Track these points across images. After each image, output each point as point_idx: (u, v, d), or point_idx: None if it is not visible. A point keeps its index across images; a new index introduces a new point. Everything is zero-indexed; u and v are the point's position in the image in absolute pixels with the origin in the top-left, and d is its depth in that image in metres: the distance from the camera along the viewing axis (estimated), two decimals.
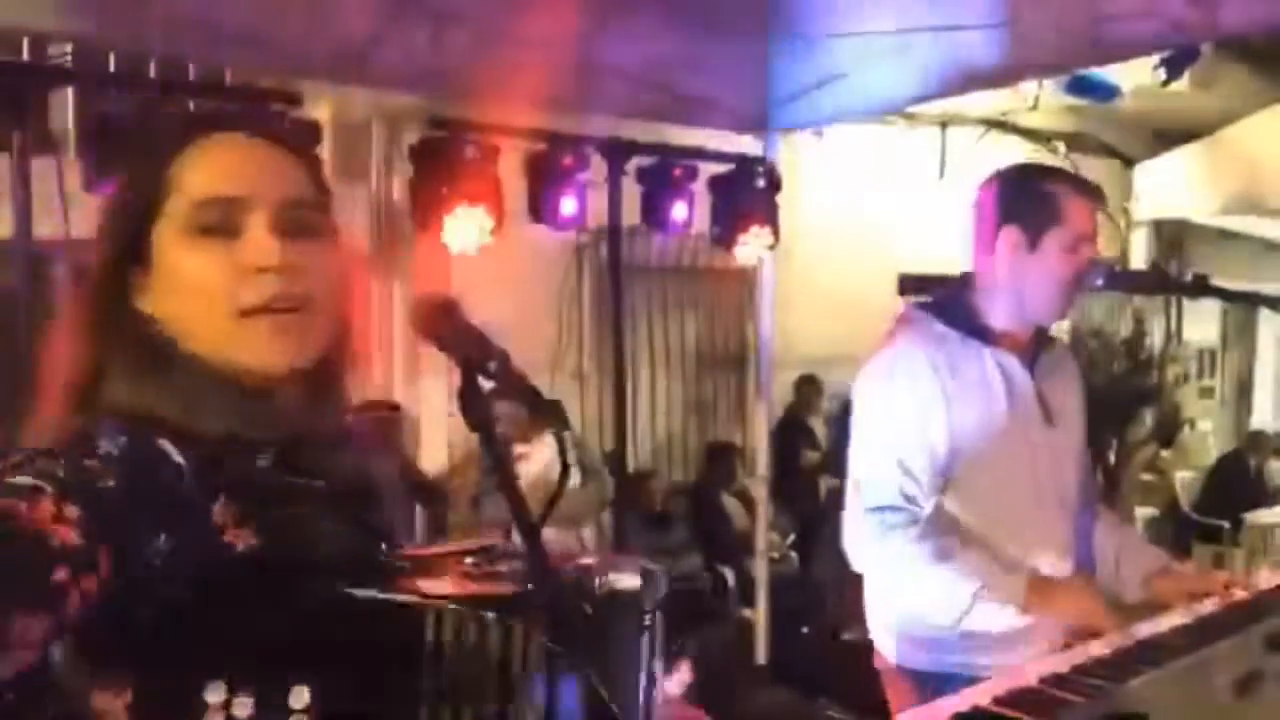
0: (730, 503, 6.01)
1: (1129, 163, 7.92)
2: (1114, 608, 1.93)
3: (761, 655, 4.89)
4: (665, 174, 4.53)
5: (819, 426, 6.72)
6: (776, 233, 4.70)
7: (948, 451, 1.95)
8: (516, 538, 0.91)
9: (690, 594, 5.29)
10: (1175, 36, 3.49)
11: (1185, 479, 7.95)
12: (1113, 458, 7.19)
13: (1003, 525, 1.98)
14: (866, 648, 2.16)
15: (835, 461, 6.16)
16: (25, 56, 3.60)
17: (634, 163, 4.46)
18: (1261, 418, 9.57)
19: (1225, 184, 7.06)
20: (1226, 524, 7.17)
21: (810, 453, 6.57)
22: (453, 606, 0.86)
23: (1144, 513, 7.60)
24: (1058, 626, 1.96)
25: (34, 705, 0.79)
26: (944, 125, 7.06)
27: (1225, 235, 8.16)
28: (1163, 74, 5.76)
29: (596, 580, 0.99)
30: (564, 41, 3.61)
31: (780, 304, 5.03)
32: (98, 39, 3.25)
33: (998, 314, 2.04)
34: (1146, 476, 8.00)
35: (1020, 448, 2.00)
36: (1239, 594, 2.02)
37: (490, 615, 0.86)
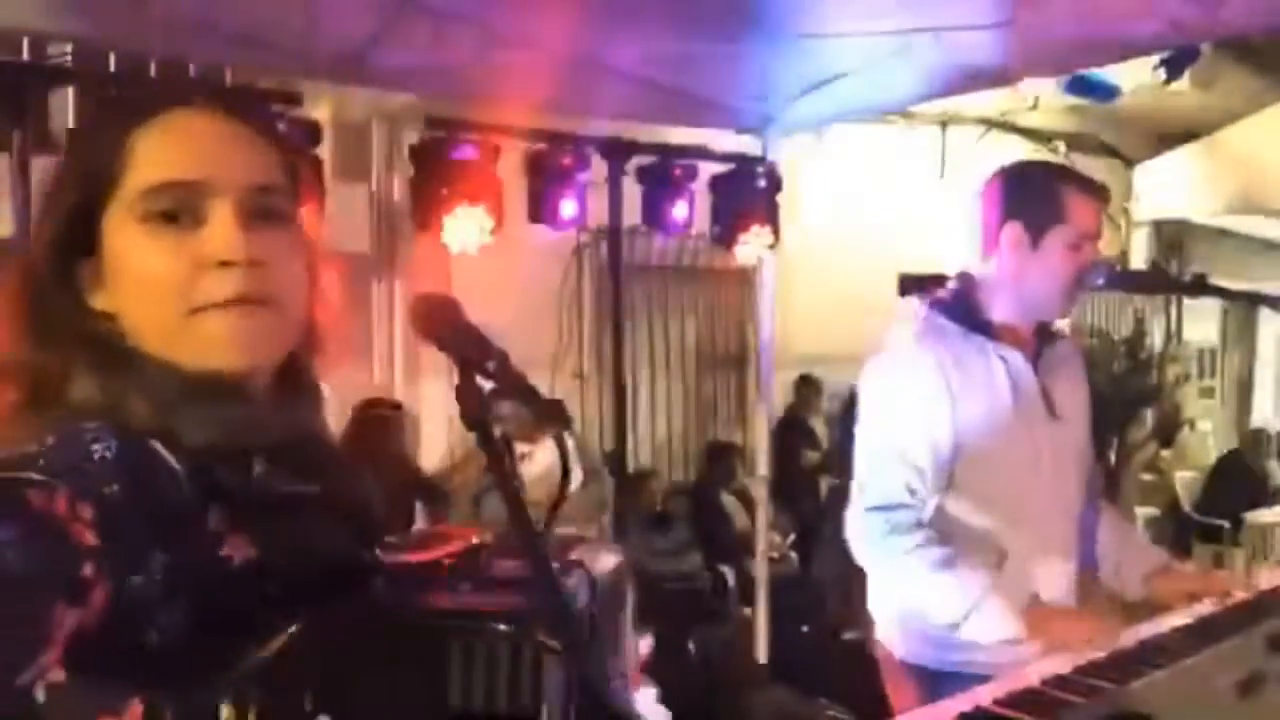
0: (730, 502, 6.01)
1: (1129, 163, 7.92)
2: (1114, 607, 1.92)
3: (762, 655, 4.89)
4: (665, 174, 4.53)
5: (819, 426, 6.72)
6: (777, 232, 4.69)
7: (952, 446, 1.94)
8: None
9: (690, 594, 5.29)
10: (1175, 36, 3.48)
11: (1185, 479, 7.95)
12: (1113, 457, 7.19)
13: (1007, 520, 1.97)
14: (866, 647, 2.16)
15: (835, 461, 6.17)
16: (25, 56, 3.60)
17: (634, 162, 4.46)
18: (1262, 417, 9.57)
19: (1225, 184, 7.06)
20: (1227, 524, 7.18)
21: (810, 452, 6.57)
22: (473, 623, 0.85)
23: (1144, 512, 7.59)
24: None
25: None
26: (944, 125, 7.06)
27: (1225, 235, 8.16)
28: (1163, 74, 5.76)
29: (589, 572, 0.99)
30: (564, 41, 3.61)
31: (780, 304, 5.03)
32: (98, 39, 3.24)
33: (1000, 310, 2.04)
34: (1147, 476, 8.00)
35: (1024, 442, 2.00)
36: (1239, 595, 2.02)
37: (504, 627, 0.86)
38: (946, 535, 1.93)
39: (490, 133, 4.06)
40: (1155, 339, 8.36)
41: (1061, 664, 1.64)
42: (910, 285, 6.29)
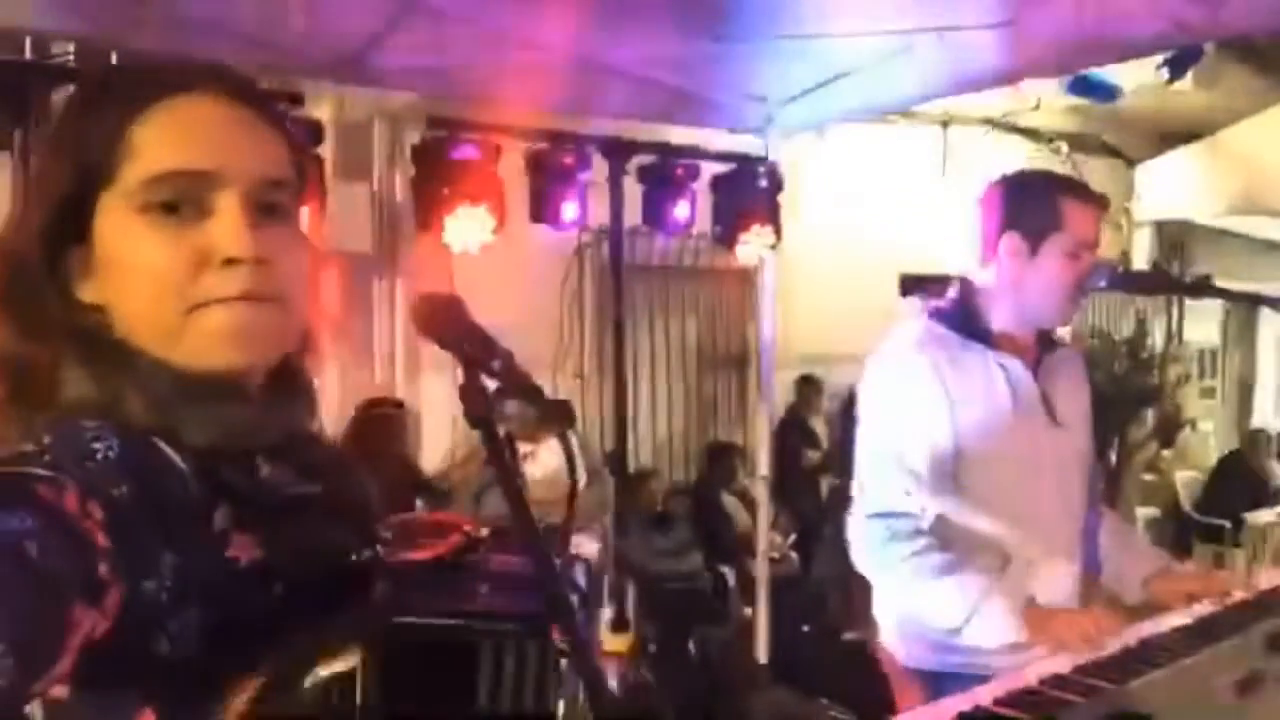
0: (731, 503, 6.01)
1: (1131, 163, 7.91)
2: (1115, 610, 1.92)
3: (762, 655, 4.89)
4: (666, 174, 4.53)
5: (820, 426, 6.72)
6: (778, 232, 4.69)
7: (951, 454, 1.95)
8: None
9: (691, 594, 5.30)
10: (1178, 36, 3.48)
11: (1186, 479, 7.95)
12: (1114, 458, 7.19)
13: (1010, 526, 1.97)
14: (866, 648, 2.16)
15: (836, 461, 6.17)
16: (27, 56, 3.61)
17: (635, 162, 4.46)
18: (1262, 418, 9.57)
19: (1227, 184, 7.05)
20: (1227, 524, 7.18)
21: (811, 452, 6.57)
22: (497, 627, 0.85)
23: (1145, 513, 7.60)
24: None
25: None
26: (946, 125, 7.05)
27: (1227, 235, 8.15)
28: (1165, 74, 5.76)
29: (589, 566, 1.00)
30: (565, 41, 3.61)
31: (781, 304, 5.03)
32: (99, 38, 3.25)
33: (1000, 318, 2.05)
34: (1147, 476, 8.00)
35: (1025, 450, 2.00)
36: (1238, 595, 2.03)
37: (513, 627, 0.86)
38: (948, 541, 1.93)
39: (491, 132, 4.07)
40: (1156, 339, 8.35)
41: (1061, 664, 1.65)
42: (911, 285, 6.32)
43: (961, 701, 1.52)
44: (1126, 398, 7.36)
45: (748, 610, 5.19)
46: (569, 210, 4.27)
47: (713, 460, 6.26)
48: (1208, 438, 8.97)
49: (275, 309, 0.81)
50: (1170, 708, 1.56)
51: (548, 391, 0.93)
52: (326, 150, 3.96)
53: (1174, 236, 8.43)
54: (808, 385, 6.68)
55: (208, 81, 0.82)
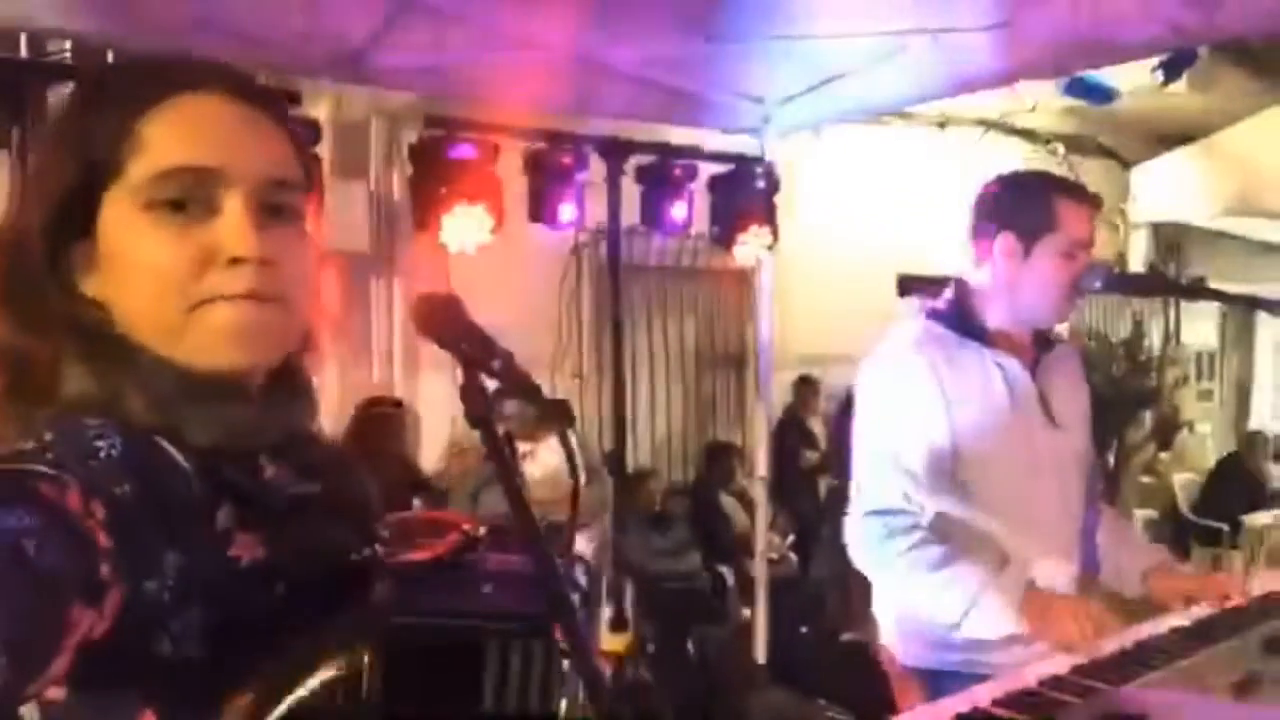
0: (729, 503, 6.02)
1: (1127, 164, 7.92)
2: (1114, 607, 1.92)
3: (761, 656, 4.89)
4: (664, 174, 4.53)
5: (818, 426, 6.73)
6: (775, 233, 4.70)
7: (949, 453, 1.95)
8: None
9: (689, 594, 5.30)
10: (1173, 39, 3.49)
11: (1184, 481, 7.95)
12: (1111, 459, 7.20)
13: (1009, 526, 1.97)
14: (865, 648, 2.17)
15: (834, 462, 6.18)
16: (25, 53, 3.60)
17: (633, 162, 4.46)
18: (1260, 420, 9.58)
19: (1223, 186, 7.06)
20: (1225, 526, 7.18)
21: (809, 453, 6.58)
22: (502, 626, 0.85)
23: (1143, 515, 7.60)
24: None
25: None
26: (942, 126, 7.06)
27: (1223, 237, 8.17)
28: (1161, 76, 5.77)
29: (588, 564, 1.00)
30: (563, 41, 3.61)
31: (779, 304, 5.03)
32: (97, 36, 3.24)
33: (995, 317, 2.05)
34: (1145, 479, 8.01)
35: (1022, 449, 2.00)
36: (1235, 598, 2.03)
37: (520, 627, 0.86)
38: (947, 538, 1.94)
39: (489, 132, 4.07)
40: (1154, 341, 8.36)
41: (1059, 665, 1.65)
42: (909, 285, 6.33)
43: (960, 702, 1.52)
44: (1124, 400, 7.37)
45: (746, 611, 5.19)
46: (566, 210, 4.27)
47: (711, 460, 6.26)
48: (1205, 440, 8.98)
49: (278, 309, 0.80)
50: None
51: (546, 391, 0.93)
52: (324, 149, 3.96)
53: (1170, 238, 8.45)
54: (805, 386, 6.68)
55: (216, 80, 0.82)
